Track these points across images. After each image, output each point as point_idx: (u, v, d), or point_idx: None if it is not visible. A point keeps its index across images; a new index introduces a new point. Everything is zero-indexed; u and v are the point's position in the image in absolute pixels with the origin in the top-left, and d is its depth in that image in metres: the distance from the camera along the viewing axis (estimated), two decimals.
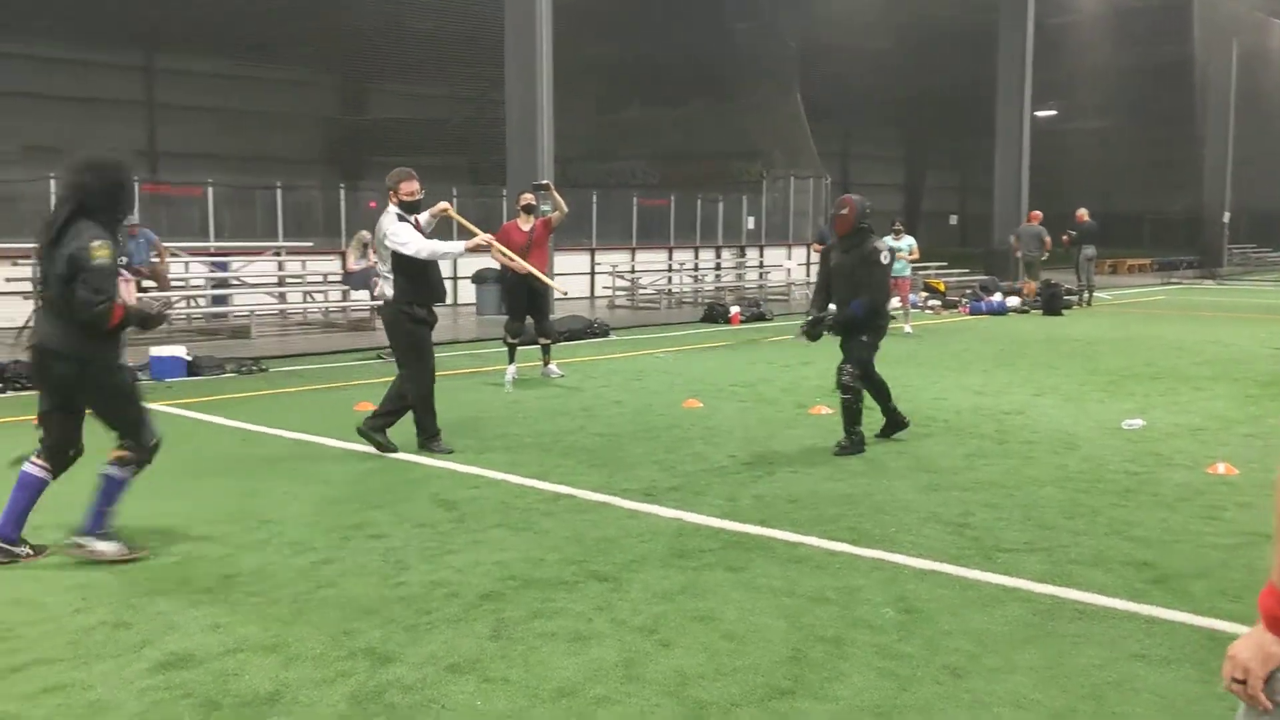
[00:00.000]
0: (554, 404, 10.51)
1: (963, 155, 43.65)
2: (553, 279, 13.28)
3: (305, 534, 6.00)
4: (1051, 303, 21.64)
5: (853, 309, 8.14)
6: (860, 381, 8.26)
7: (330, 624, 4.64)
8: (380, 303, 8.40)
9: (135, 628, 4.61)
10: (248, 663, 4.24)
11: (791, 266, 27.97)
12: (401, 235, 7.86)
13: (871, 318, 8.24)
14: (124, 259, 17.36)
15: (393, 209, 7.96)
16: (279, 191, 21.89)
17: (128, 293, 5.39)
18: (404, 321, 8.08)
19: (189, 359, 12.43)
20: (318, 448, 8.39)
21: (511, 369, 11.86)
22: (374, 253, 8.55)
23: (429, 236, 8.18)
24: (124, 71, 28.01)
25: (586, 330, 16.96)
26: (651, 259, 27.06)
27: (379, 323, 11.06)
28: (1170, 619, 4.77)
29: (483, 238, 8.36)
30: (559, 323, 15.29)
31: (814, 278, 24.06)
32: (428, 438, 8.21)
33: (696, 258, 28.61)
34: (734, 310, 20.11)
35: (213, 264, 19.35)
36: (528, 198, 12.31)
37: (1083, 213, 23.70)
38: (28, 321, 7.17)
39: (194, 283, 18.79)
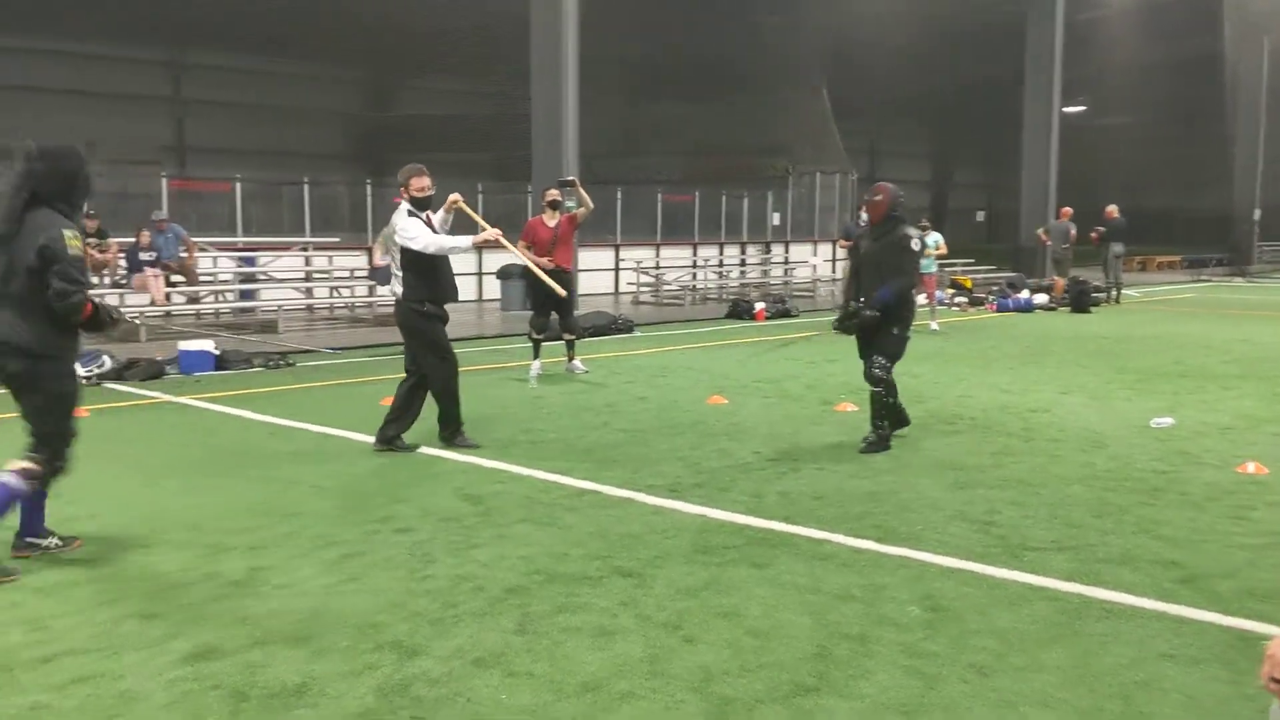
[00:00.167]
0: (578, 400, 10.53)
1: (990, 151, 43.39)
2: (574, 275, 13.29)
3: (332, 528, 6.03)
4: (1079, 300, 21.50)
5: (881, 295, 8.07)
6: (891, 375, 8.23)
7: (357, 617, 4.67)
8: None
9: (163, 619, 4.65)
10: (275, 655, 4.27)
11: (817, 263, 27.90)
12: (410, 230, 7.79)
13: (899, 307, 8.19)
14: (153, 254, 17.71)
15: (404, 205, 7.93)
16: (306, 187, 22.03)
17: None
18: (415, 319, 7.99)
19: (217, 353, 12.52)
20: (344, 442, 8.44)
21: (536, 365, 11.89)
22: (386, 251, 8.51)
23: (449, 234, 8.15)
24: (153, 67, 28.23)
25: (611, 326, 16.97)
26: (676, 255, 27.06)
27: None
28: (1198, 619, 4.73)
29: (491, 232, 8.20)
30: (584, 319, 15.32)
31: (839, 274, 24.08)
32: (451, 432, 8.18)
33: (721, 254, 28.57)
34: (759, 307, 20.07)
35: (240, 259, 19.50)
36: (553, 194, 12.32)
37: (1112, 209, 23.51)
38: None
39: (222, 277, 18.94)
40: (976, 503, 6.66)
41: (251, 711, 3.79)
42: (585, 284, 21.73)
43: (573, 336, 12.38)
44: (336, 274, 20.13)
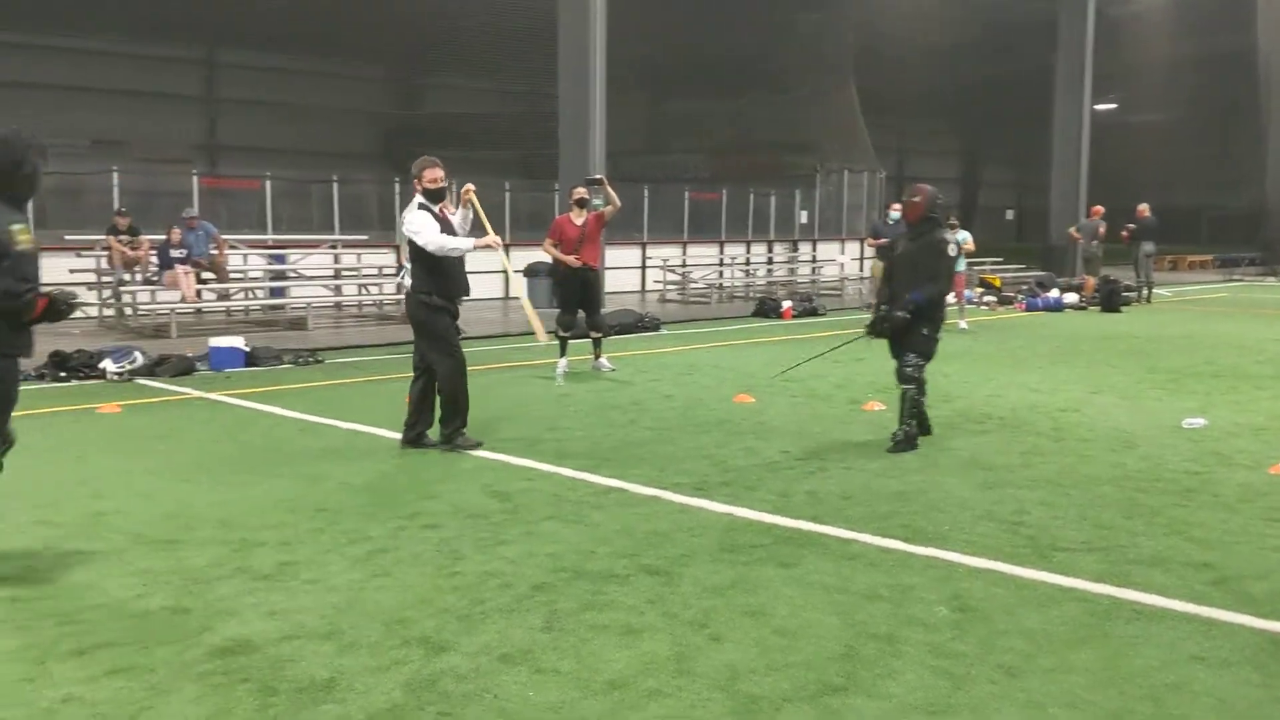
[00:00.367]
0: (605, 398, 10.54)
1: (1020, 149, 43.09)
2: (601, 273, 13.26)
3: (360, 523, 6.07)
4: (1110, 299, 21.32)
5: (914, 298, 8.04)
6: (922, 374, 8.20)
7: (385, 612, 4.70)
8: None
9: (195, 613, 4.69)
10: (304, 649, 4.30)
11: (845, 261, 27.79)
12: (415, 224, 7.75)
13: (930, 309, 8.16)
14: (184, 251, 17.86)
15: (417, 198, 7.91)
16: (335, 185, 22.16)
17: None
18: (422, 311, 7.92)
19: (247, 350, 12.62)
20: (372, 438, 8.48)
21: (563, 362, 11.91)
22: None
23: (467, 233, 8.09)
24: (186, 66, 28.50)
25: (637, 324, 16.98)
26: (703, 253, 27.02)
27: None
28: (1230, 621, 4.69)
29: (492, 239, 8.10)
30: (610, 317, 15.32)
31: (867, 272, 23.97)
32: (453, 431, 8.00)
33: (748, 252, 28.51)
34: (786, 305, 20.02)
35: (270, 256, 19.64)
36: (581, 192, 12.34)
37: (1143, 208, 23.31)
38: None
39: (252, 275, 19.07)
40: (1005, 502, 6.62)
41: (280, 705, 3.82)
42: (612, 282, 21.78)
43: (599, 334, 12.39)
44: (365, 271, 20.23)
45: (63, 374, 11.30)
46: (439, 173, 7.91)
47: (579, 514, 6.30)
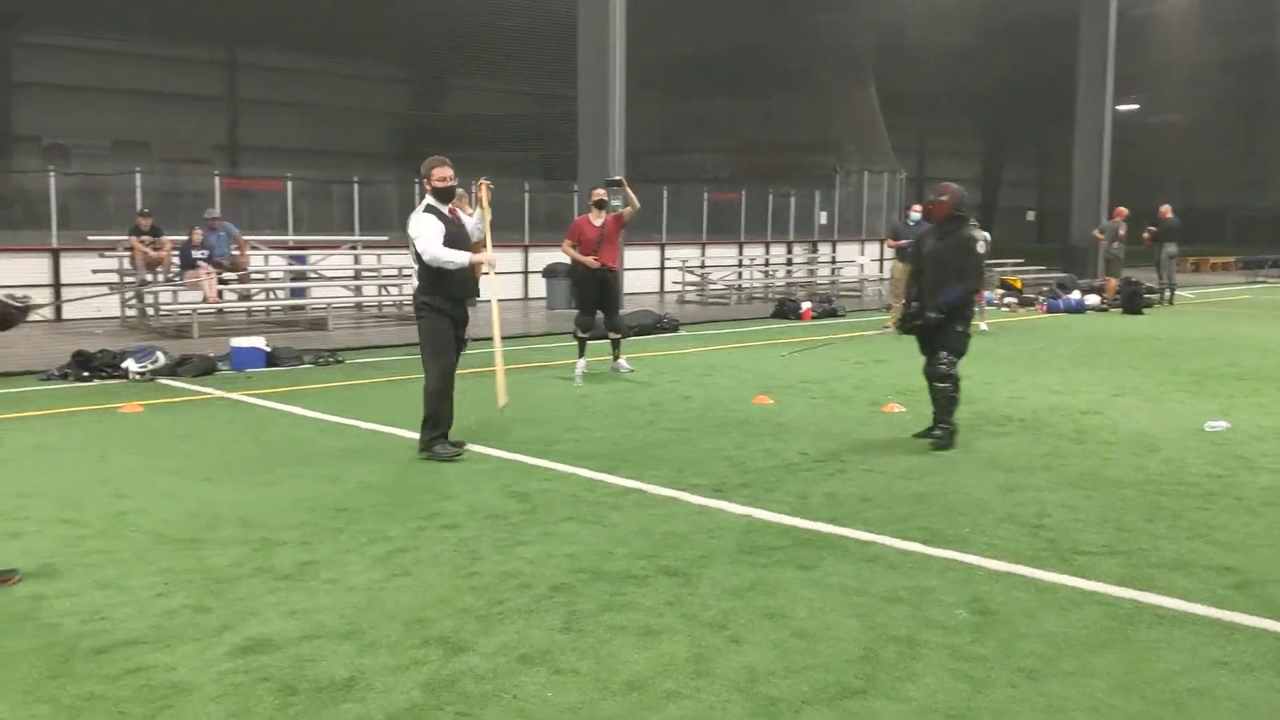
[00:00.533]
0: (623, 399, 10.54)
1: (1041, 149, 42.94)
2: (620, 274, 13.22)
3: (380, 523, 6.09)
4: (1132, 301, 21.19)
5: (946, 297, 8.03)
6: (956, 369, 8.18)
7: (404, 612, 4.71)
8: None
9: (215, 612, 4.71)
10: (324, 649, 4.32)
11: (864, 262, 27.71)
12: (416, 228, 7.71)
13: (962, 306, 8.15)
14: (206, 251, 17.93)
15: (426, 199, 7.88)
16: (356, 186, 22.24)
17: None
18: (420, 311, 7.89)
19: (268, 350, 12.68)
20: (391, 438, 8.51)
21: (581, 363, 11.92)
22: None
23: (479, 238, 8.07)
24: (208, 67, 28.68)
25: (656, 325, 16.98)
26: (722, 254, 26.99)
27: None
28: (1253, 625, 4.65)
29: (487, 256, 8.04)
30: (629, 318, 15.32)
31: (886, 274, 23.89)
32: (430, 440, 7.77)
33: (767, 253, 28.48)
34: (805, 306, 19.98)
35: (291, 257, 19.74)
36: (600, 193, 12.35)
37: (1166, 209, 23.16)
38: None
39: (273, 275, 19.17)
40: (1026, 505, 6.59)
41: (300, 704, 3.84)
42: (631, 283, 21.76)
43: (618, 335, 12.39)
44: (385, 272, 20.31)
45: (85, 374, 11.38)
46: (448, 171, 7.89)
47: (597, 515, 6.30)
